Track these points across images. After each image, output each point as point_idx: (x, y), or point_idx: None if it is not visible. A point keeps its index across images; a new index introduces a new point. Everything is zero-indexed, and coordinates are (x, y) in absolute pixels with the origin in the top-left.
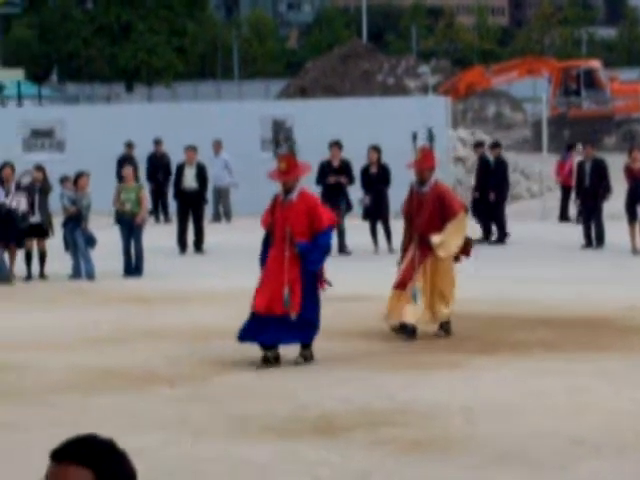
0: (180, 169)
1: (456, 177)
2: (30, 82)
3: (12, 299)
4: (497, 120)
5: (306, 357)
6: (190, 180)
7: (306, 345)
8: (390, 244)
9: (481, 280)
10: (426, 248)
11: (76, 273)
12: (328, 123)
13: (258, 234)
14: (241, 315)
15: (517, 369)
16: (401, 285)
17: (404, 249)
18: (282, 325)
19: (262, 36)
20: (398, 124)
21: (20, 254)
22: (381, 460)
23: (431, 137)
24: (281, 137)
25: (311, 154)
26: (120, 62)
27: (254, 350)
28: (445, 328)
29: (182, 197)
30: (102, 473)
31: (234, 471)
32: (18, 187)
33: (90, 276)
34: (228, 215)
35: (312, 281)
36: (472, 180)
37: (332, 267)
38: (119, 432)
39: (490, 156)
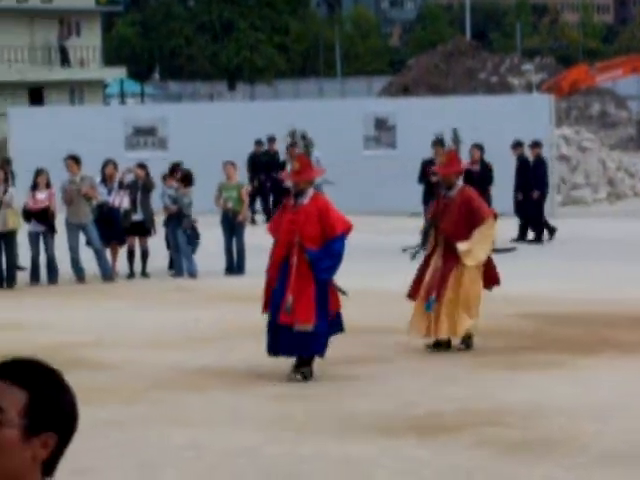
0: (282, 166)
1: (560, 175)
2: (133, 80)
3: (114, 297)
4: (601, 118)
5: (305, 375)
6: None
7: (306, 361)
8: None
9: (585, 279)
10: (452, 256)
11: (178, 271)
12: (431, 121)
13: (358, 232)
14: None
15: (621, 369)
16: (417, 295)
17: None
18: (285, 335)
19: (364, 33)
20: (501, 122)
21: (122, 252)
22: (484, 460)
23: (457, 139)
24: (297, 135)
25: (413, 152)
26: (222, 60)
27: (356, 349)
28: (467, 342)
29: (284, 194)
30: (37, 397)
31: (337, 469)
32: (121, 185)
33: (192, 274)
34: None
35: (324, 291)
36: (575, 178)
37: None
38: (221, 430)
39: (530, 155)
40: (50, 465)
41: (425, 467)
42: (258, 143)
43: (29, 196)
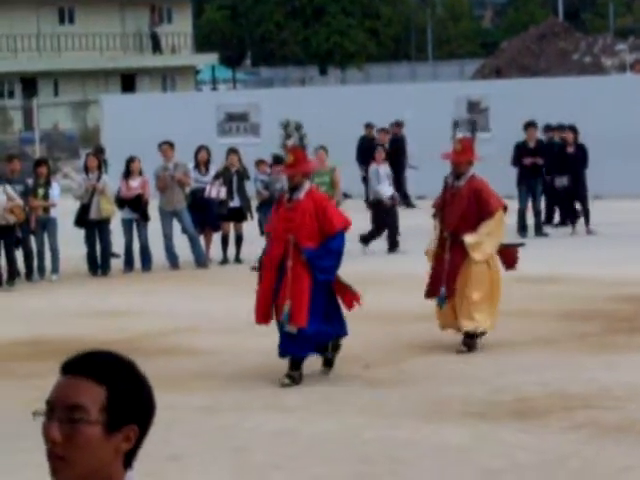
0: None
1: None
2: (224, 66)
3: (208, 283)
4: None
5: (294, 378)
6: None
7: (297, 362)
8: (588, 225)
9: None
10: (459, 249)
11: None
12: (524, 103)
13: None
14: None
15: None
16: (434, 292)
17: (437, 248)
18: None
19: (456, 16)
20: (595, 104)
21: (215, 238)
22: (580, 444)
23: (474, 128)
24: (291, 127)
25: (507, 135)
26: (313, 45)
27: (448, 335)
28: (468, 343)
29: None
30: (116, 392)
31: (432, 454)
32: (217, 176)
33: None
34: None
35: (322, 293)
36: None
37: (530, 248)
38: (316, 416)
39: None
40: (130, 456)
41: (520, 451)
42: (368, 126)
43: (122, 183)
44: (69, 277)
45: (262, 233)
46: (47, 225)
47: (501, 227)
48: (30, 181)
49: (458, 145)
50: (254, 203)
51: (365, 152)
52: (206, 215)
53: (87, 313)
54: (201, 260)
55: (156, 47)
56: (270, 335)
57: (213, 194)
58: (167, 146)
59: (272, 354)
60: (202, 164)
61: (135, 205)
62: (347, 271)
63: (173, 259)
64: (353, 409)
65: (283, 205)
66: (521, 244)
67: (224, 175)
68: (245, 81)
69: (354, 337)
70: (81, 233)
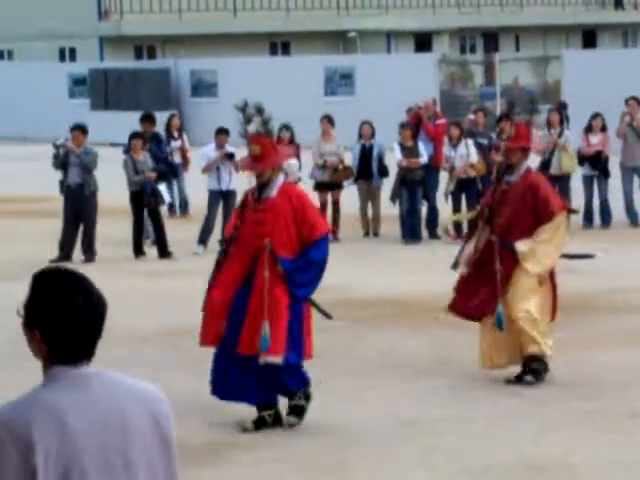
0: None
1: None
2: None
3: None
4: None
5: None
6: None
7: (293, 395)
8: None
9: None
10: (508, 258)
11: None
12: None
13: None
14: None
15: None
16: (481, 312)
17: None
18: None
19: None
20: None
21: None
22: None
23: (532, 110)
24: (250, 110)
25: None
26: None
27: None
28: (535, 369)
29: None
30: (30, 297)
31: None
32: None
33: None
34: None
35: (300, 313)
36: None
37: None
38: None
39: None
40: (54, 352)
41: None
42: None
43: (583, 140)
44: None
45: None
46: None
47: (561, 234)
48: (493, 135)
49: (512, 130)
50: None
51: None
52: None
53: None
54: None
55: (618, 3)
56: None
57: None
58: (634, 101)
59: None
60: None
61: (595, 162)
62: None
63: (633, 217)
64: None
65: (249, 205)
66: (589, 255)
67: None
68: None
69: None
70: None
